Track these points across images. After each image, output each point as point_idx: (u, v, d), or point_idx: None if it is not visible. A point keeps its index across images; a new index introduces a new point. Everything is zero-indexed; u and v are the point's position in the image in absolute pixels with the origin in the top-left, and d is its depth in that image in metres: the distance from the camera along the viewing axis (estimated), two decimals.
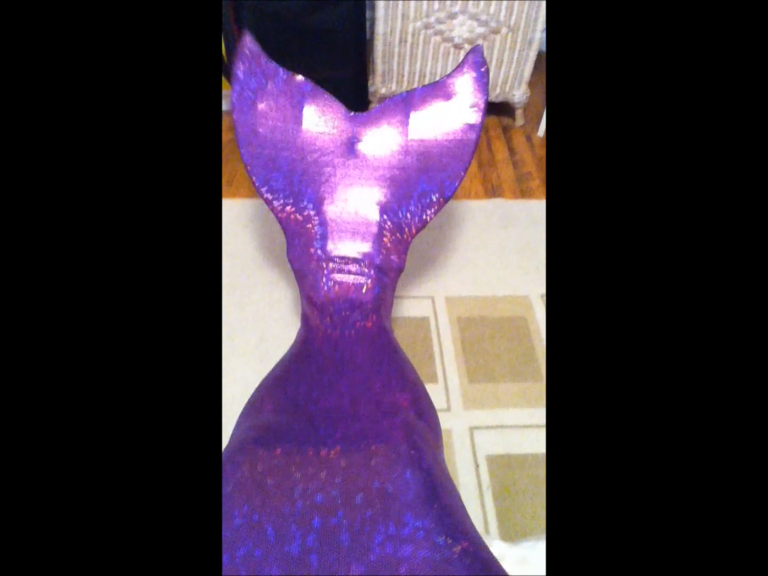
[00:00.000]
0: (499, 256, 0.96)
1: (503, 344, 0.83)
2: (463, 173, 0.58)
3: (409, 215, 0.58)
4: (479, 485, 0.68)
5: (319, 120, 0.58)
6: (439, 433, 0.54)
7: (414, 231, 0.59)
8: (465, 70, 0.57)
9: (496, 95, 1.21)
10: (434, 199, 0.58)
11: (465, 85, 0.57)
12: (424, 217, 0.58)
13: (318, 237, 0.58)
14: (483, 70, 0.57)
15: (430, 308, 0.88)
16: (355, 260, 0.58)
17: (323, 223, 0.58)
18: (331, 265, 0.58)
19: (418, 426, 0.46)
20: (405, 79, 1.17)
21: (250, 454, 0.39)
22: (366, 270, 0.58)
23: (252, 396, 0.54)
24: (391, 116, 0.59)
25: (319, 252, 0.58)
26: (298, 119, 0.58)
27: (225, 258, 0.93)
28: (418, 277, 0.92)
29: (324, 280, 0.58)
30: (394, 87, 1.18)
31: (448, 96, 0.58)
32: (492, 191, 1.10)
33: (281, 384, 0.53)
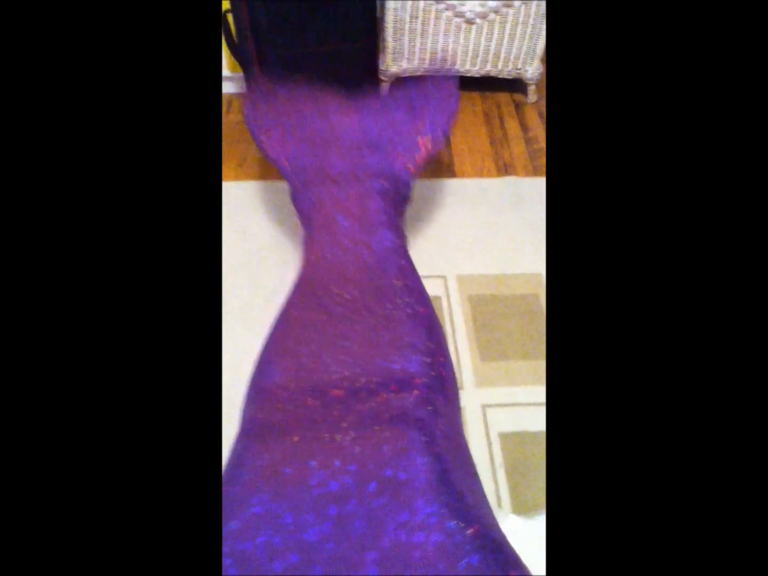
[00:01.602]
0: (510, 234, 0.95)
1: (515, 322, 0.83)
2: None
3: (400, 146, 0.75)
4: (492, 462, 0.68)
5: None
6: (455, 396, 0.53)
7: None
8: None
9: (508, 71, 1.19)
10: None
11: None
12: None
13: (319, 153, 0.71)
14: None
15: (441, 287, 0.88)
16: (356, 160, 0.73)
17: (320, 144, 0.72)
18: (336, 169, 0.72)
19: (431, 403, 0.46)
20: (416, 56, 1.15)
21: (268, 442, 0.40)
22: (372, 172, 0.70)
23: (259, 360, 0.54)
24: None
25: (321, 164, 0.71)
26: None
27: (236, 238, 0.94)
28: (429, 256, 0.92)
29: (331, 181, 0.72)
30: (405, 65, 1.17)
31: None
32: (504, 169, 1.09)
33: (287, 341, 0.53)
